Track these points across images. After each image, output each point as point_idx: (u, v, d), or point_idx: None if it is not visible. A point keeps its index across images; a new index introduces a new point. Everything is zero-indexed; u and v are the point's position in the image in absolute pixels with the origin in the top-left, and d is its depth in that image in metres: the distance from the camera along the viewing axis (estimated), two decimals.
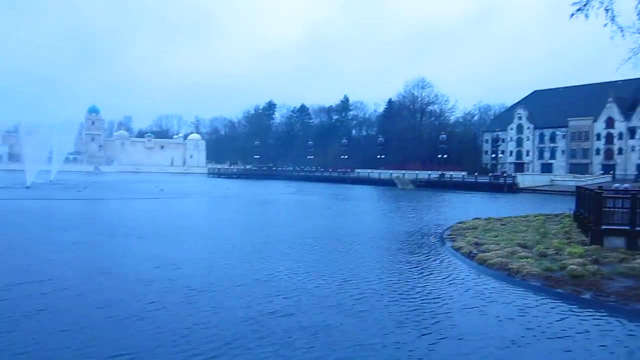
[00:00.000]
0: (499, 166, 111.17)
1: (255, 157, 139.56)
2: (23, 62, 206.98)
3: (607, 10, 18.12)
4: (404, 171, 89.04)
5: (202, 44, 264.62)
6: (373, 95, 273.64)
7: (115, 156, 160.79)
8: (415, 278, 12.99)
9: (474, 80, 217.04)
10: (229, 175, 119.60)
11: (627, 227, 16.15)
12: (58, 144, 70.15)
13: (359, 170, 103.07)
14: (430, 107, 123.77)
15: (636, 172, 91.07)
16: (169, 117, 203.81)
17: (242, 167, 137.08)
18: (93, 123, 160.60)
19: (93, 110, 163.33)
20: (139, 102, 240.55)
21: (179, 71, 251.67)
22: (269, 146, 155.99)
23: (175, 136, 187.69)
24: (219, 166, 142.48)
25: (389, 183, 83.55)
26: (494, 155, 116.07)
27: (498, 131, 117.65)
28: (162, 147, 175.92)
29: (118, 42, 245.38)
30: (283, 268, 13.66)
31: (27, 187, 50.55)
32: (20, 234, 19.45)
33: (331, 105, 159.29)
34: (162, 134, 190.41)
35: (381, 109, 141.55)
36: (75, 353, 7.31)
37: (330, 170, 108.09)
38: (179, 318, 9.04)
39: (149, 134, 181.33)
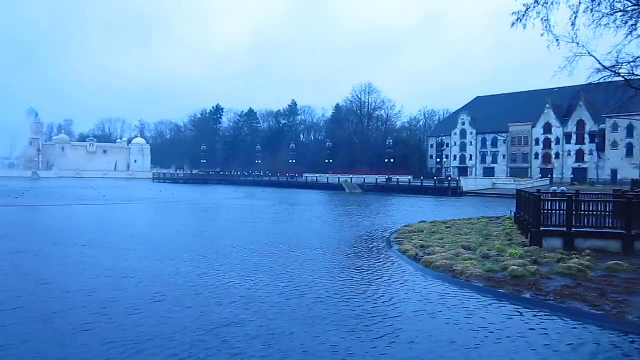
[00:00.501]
0: (444, 170, 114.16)
1: (202, 162, 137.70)
2: None
3: (543, 20, 18.98)
4: (351, 175, 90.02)
5: (148, 47, 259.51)
6: (321, 100, 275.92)
7: (55, 161, 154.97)
8: (364, 282, 13.11)
9: (419, 86, 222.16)
10: (175, 181, 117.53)
11: (564, 229, 16.88)
12: None
13: (307, 175, 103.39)
14: (377, 112, 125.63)
15: (572, 176, 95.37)
16: (112, 120, 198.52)
17: (189, 172, 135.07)
18: (31, 127, 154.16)
19: (31, 113, 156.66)
20: (81, 106, 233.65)
21: (123, 74, 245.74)
22: (216, 151, 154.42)
23: (118, 140, 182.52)
24: (164, 171, 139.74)
25: (337, 187, 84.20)
26: (438, 160, 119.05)
27: (442, 136, 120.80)
28: (105, 151, 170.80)
29: (59, 44, 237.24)
30: (232, 276, 13.49)
31: None
32: None
33: (279, 110, 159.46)
34: (105, 138, 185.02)
35: (329, 113, 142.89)
36: None
37: (278, 175, 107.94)
38: (127, 329, 8.79)
39: (91, 138, 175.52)
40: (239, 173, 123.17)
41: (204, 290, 11.81)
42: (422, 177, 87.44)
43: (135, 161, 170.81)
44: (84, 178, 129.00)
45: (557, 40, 19.48)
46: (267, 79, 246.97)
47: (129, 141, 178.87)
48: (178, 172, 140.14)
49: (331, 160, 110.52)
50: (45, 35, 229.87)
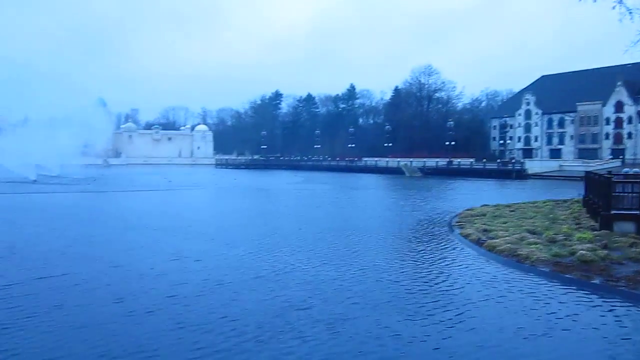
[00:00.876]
0: (507, 152, 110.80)
1: (262, 147, 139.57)
2: (29, 55, 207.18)
3: None
4: (411, 159, 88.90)
5: (210, 35, 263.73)
6: (380, 83, 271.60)
7: (124, 149, 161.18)
8: (425, 266, 13.04)
9: (481, 66, 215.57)
10: (236, 166, 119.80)
11: (637, 212, 16.11)
12: (66, 137, 70.37)
13: (366, 159, 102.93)
14: (437, 94, 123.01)
15: None
16: (176, 108, 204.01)
17: (249, 158, 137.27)
18: (101, 116, 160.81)
19: (100, 103, 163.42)
20: (146, 95, 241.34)
21: (186, 63, 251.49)
22: (275, 136, 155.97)
23: (182, 128, 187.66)
24: (226, 157, 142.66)
25: (396, 171, 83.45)
26: (502, 142, 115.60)
27: (506, 117, 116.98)
28: (169, 139, 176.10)
29: (125, 35, 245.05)
30: (298, 259, 13.74)
31: (34, 181, 50.89)
32: (34, 229, 19.61)
33: (338, 94, 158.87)
34: (170, 125, 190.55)
35: (388, 96, 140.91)
36: (93, 350, 7.37)
37: (337, 159, 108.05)
38: (196, 311, 9.12)
39: (156, 126, 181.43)
40: (298, 158, 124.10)
41: (269, 273, 12.07)
42: (484, 160, 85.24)
43: (199, 148, 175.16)
44: (151, 165, 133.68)
45: (630, 12, 18.39)
46: (325, 63, 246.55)
47: (192, 128, 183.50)
48: (239, 157, 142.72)
49: (390, 144, 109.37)
50: (113, 27, 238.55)
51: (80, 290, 10.49)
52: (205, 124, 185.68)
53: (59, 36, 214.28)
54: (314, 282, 11.17)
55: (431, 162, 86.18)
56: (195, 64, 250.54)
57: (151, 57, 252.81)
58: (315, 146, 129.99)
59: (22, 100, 67.23)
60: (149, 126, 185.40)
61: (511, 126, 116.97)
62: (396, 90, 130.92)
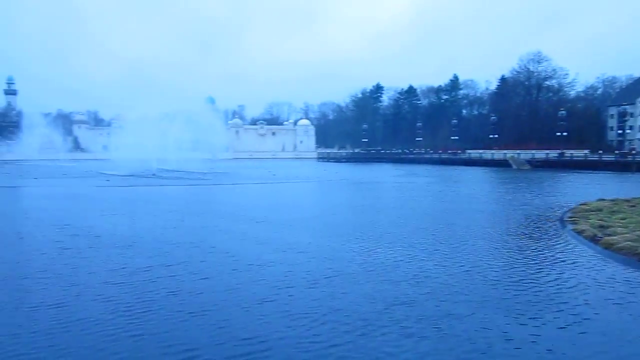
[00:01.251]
0: (627, 143, 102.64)
1: (363, 140, 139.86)
2: (145, 55, 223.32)
3: None
4: (519, 151, 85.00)
5: (313, 30, 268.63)
6: (485, 72, 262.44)
7: (231, 144, 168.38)
8: (535, 264, 12.52)
9: (596, 51, 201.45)
10: (337, 160, 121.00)
11: None
12: (179, 132, 74.72)
13: (470, 152, 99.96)
14: (547, 82, 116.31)
15: None
16: (279, 104, 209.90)
17: (351, 151, 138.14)
18: (210, 113, 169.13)
19: (210, 101, 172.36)
20: (252, 91, 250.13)
21: (290, 58, 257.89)
22: (376, 129, 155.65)
23: (285, 123, 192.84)
24: (327, 151, 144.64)
25: (502, 164, 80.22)
26: (620, 132, 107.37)
27: (625, 105, 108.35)
28: (273, 133, 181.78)
29: (233, 34, 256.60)
30: (402, 253, 13.70)
31: (153, 175, 54.60)
32: (153, 220, 21.10)
33: (440, 85, 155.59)
34: (273, 120, 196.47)
35: (493, 86, 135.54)
36: (208, 336, 7.81)
37: (439, 152, 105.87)
38: (305, 302, 9.41)
39: (261, 121, 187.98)
40: (399, 151, 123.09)
41: (375, 267, 12.16)
42: (600, 151, 79.65)
43: (301, 142, 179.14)
44: (256, 159, 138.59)
45: None
46: (427, 54, 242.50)
47: (295, 123, 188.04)
48: (340, 151, 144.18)
49: (496, 135, 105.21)
50: (222, 27, 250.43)
51: (195, 278, 11.17)
52: (307, 118, 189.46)
53: (172, 38, 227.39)
54: (418, 277, 11.12)
55: (540, 154, 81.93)
56: (298, 59, 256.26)
57: (257, 54, 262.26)
58: (417, 139, 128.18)
59: (140, 98, 72.39)
60: (254, 122, 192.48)
61: (631, 114, 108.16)
62: (502, 79, 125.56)
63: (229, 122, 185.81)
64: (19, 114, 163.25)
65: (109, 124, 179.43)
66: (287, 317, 8.57)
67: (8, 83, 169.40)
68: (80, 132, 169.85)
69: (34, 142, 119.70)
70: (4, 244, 16.00)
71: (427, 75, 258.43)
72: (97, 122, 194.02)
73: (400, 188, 40.52)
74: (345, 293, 9.99)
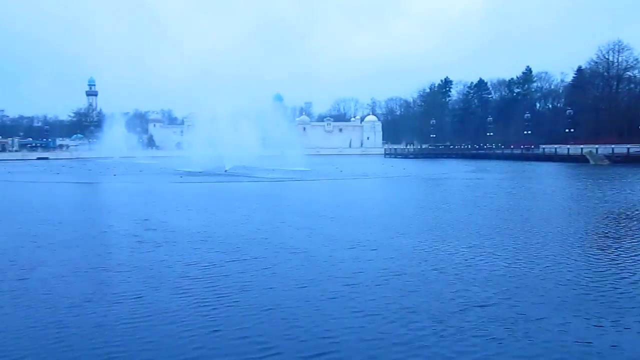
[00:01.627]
0: None
1: (431, 136, 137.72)
2: (216, 55, 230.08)
3: None
4: (596, 145, 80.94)
5: (381, 25, 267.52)
6: (559, 64, 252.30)
7: (298, 140, 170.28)
8: (618, 265, 11.90)
9: None
10: (405, 156, 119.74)
11: None
12: (248, 130, 76.30)
13: (543, 146, 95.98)
14: (628, 73, 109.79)
15: None
16: (346, 100, 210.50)
17: (418, 147, 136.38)
18: (278, 110, 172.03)
19: (277, 99, 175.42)
20: (319, 88, 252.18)
21: (358, 55, 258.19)
22: (445, 124, 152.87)
23: (352, 119, 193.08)
24: (395, 147, 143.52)
25: (579, 159, 76.60)
26: None
27: None
28: (340, 130, 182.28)
29: (302, 31, 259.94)
30: (475, 252, 13.42)
31: (225, 171, 56.14)
32: (225, 215, 21.67)
33: (512, 78, 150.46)
34: (340, 117, 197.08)
35: (569, 78, 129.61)
36: (280, 332, 7.94)
37: (511, 147, 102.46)
38: (374, 300, 9.38)
39: (328, 118, 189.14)
40: (468, 146, 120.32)
41: (445, 266, 11.96)
42: None
43: (368, 138, 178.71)
44: (322, 155, 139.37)
45: None
46: (498, 46, 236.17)
47: (362, 119, 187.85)
48: (408, 147, 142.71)
49: (572, 130, 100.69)
50: (291, 25, 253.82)
51: (266, 274, 11.40)
52: (374, 114, 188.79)
53: (242, 37, 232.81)
54: (492, 278, 10.84)
55: (621, 149, 77.63)
56: (365, 55, 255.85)
57: (324, 51, 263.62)
58: (487, 134, 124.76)
59: (211, 97, 74.51)
60: (321, 118, 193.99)
61: None
62: (579, 70, 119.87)
63: (296, 119, 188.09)
64: (99, 114, 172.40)
65: (181, 122, 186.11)
66: (358, 314, 8.59)
67: (89, 85, 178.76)
68: (155, 130, 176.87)
69: (113, 140, 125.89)
70: (88, 236, 16.96)
71: (499, 68, 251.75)
72: (170, 120, 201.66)
73: (470, 185, 39.58)
74: (416, 292, 9.90)
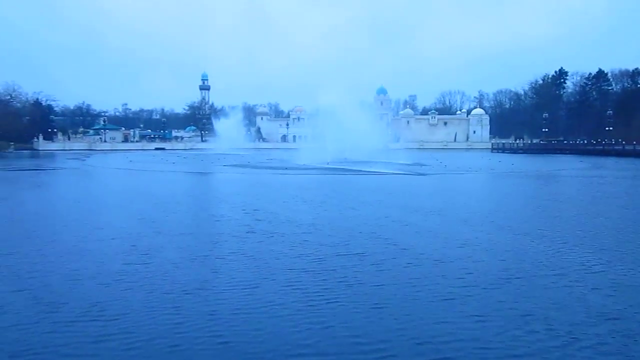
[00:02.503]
0: None
1: (543, 130, 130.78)
2: (322, 50, 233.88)
3: None
4: None
5: (493, 15, 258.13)
6: None
7: (401, 134, 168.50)
8: None
9: None
10: (513, 151, 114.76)
11: None
12: (352, 123, 76.78)
13: None
14: None
15: None
16: (452, 93, 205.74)
17: (529, 142, 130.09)
18: (382, 103, 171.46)
19: (381, 92, 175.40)
20: (424, 81, 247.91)
21: (465, 46, 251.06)
22: (558, 118, 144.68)
23: (458, 112, 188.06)
24: (503, 141, 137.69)
25: None
26: None
27: None
28: (445, 123, 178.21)
29: (412, 23, 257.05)
30: (599, 258, 12.40)
31: (327, 164, 56.95)
32: (331, 208, 21.99)
33: (637, 68, 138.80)
34: (445, 110, 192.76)
35: None
36: (390, 331, 7.85)
37: (633, 143, 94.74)
38: (487, 303, 9.07)
39: (432, 111, 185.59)
40: (584, 142, 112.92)
41: (564, 271, 11.23)
42: None
43: (474, 132, 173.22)
44: (426, 149, 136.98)
45: None
46: (623, 35, 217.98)
47: (468, 112, 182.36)
48: (517, 142, 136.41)
49: None
50: (399, 17, 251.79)
51: (374, 270, 11.29)
52: (481, 107, 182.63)
53: (351, 29, 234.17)
54: (619, 287, 10.01)
55: None
56: (473, 47, 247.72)
57: (433, 42, 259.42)
58: (607, 128, 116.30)
59: (316, 90, 75.79)
60: (425, 111, 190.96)
61: None
62: None
63: (400, 112, 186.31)
64: (211, 107, 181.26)
65: (287, 116, 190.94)
66: (473, 319, 8.28)
67: (202, 79, 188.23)
68: (262, 123, 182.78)
69: (223, 132, 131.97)
70: (202, 224, 17.97)
71: (621, 58, 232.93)
72: (277, 113, 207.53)
73: (586, 182, 37.07)
74: (533, 297, 9.36)
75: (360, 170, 47.40)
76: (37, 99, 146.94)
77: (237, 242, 14.49)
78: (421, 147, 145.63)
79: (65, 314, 8.52)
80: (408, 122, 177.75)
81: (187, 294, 9.59)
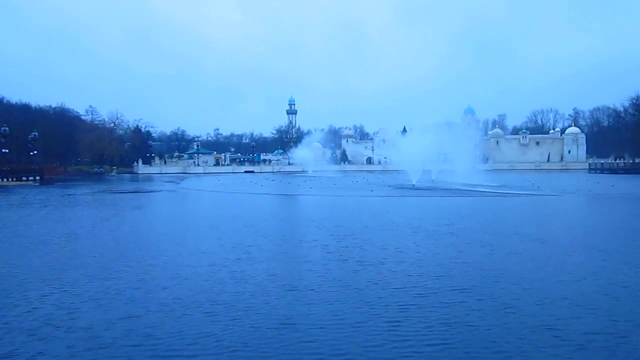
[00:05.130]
0: None
1: None
2: (413, 70, 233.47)
3: None
4: None
5: (605, 26, 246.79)
6: None
7: (490, 154, 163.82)
8: None
9: None
10: (613, 171, 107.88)
11: None
12: (438, 145, 75.91)
13: None
14: None
15: None
16: (544, 111, 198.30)
17: (630, 162, 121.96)
18: (469, 124, 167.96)
19: (469, 112, 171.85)
20: (514, 100, 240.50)
21: (557, 63, 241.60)
22: None
23: (551, 131, 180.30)
24: (601, 161, 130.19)
25: None
26: None
27: None
28: (537, 143, 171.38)
29: (510, 40, 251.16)
30: None
31: (413, 186, 56.62)
32: (426, 236, 21.48)
33: None
34: (537, 129, 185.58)
35: None
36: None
37: None
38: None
39: (523, 130, 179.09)
40: None
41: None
42: None
43: (569, 151, 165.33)
44: (517, 170, 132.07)
45: None
46: None
47: (562, 131, 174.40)
48: (617, 161, 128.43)
49: None
50: (501, 32, 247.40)
51: (492, 307, 10.71)
52: (577, 126, 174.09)
53: (448, 47, 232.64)
54: None
55: None
56: (568, 63, 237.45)
57: (529, 58, 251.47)
58: None
59: (403, 111, 75.64)
60: (515, 131, 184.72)
61: None
62: None
63: (489, 132, 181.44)
64: (298, 131, 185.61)
65: (371, 138, 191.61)
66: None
67: (289, 104, 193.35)
68: (347, 145, 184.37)
69: (310, 155, 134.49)
70: (295, 249, 17.74)
71: None
72: (362, 136, 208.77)
73: None
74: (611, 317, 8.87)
75: (445, 192, 46.60)
76: (137, 125, 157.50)
77: (327, 271, 14.18)
78: (512, 168, 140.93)
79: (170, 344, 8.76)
80: (497, 142, 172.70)
81: (271, 329, 9.27)
